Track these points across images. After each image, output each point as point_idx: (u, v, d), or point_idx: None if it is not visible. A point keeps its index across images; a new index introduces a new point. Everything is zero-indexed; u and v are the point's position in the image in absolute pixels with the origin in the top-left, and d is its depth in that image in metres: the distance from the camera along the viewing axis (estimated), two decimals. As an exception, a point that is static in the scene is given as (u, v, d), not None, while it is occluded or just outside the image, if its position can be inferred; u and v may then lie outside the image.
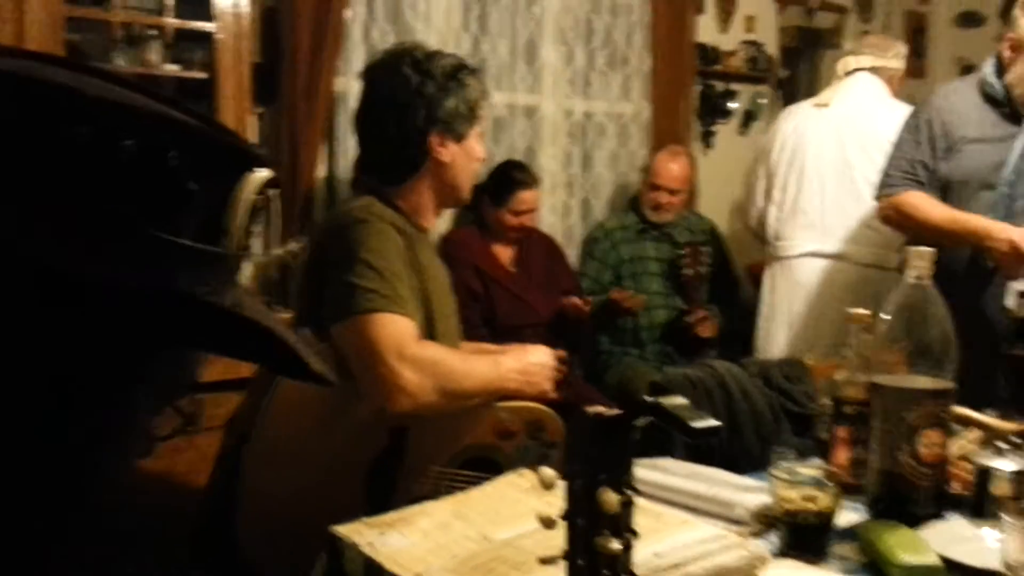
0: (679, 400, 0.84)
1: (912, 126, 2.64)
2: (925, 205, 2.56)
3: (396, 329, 1.64)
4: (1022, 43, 2.50)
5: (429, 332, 1.80)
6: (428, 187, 1.87)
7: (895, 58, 3.49)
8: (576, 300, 3.58)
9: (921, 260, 1.38)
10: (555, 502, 0.94)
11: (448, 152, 1.85)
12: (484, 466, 1.80)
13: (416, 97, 1.79)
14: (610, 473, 0.89)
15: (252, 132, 3.24)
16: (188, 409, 0.84)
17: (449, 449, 1.78)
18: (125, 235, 0.57)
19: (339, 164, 3.47)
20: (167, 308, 0.61)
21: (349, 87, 3.46)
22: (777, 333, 3.57)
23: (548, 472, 0.95)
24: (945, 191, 2.59)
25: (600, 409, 0.90)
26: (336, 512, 1.60)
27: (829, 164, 3.39)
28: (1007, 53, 2.54)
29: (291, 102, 3.28)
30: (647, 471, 1.53)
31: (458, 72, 1.85)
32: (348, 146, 3.42)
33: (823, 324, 3.29)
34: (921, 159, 2.59)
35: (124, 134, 0.58)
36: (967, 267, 2.51)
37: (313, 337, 1.70)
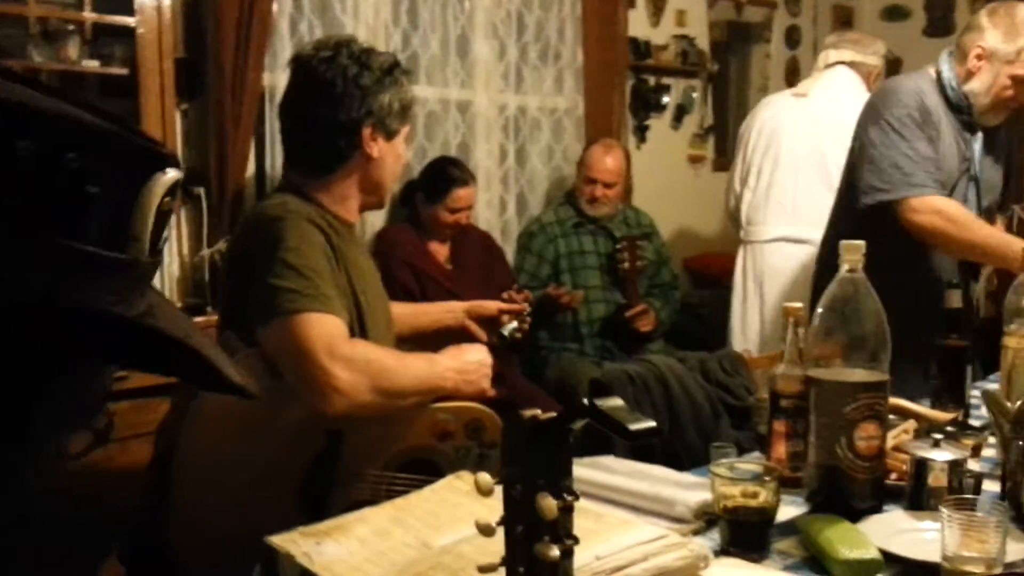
0: (616, 401, 0.82)
1: (908, 126, 2.46)
2: (970, 219, 2.43)
3: (324, 328, 1.59)
4: (989, 53, 2.46)
5: (360, 329, 1.75)
6: (354, 181, 1.82)
7: (874, 55, 3.57)
8: (513, 294, 3.55)
9: (853, 253, 1.38)
10: (496, 506, 0.91)
11: (377, 147, 1.81)
12: (423, 468, 1.77)
13: (353, 87, 1.75)
14: (548, 478, 0.87)
15: (177, 129, 3.16)
16: (101, 424, 0.79)
17: (386, 452, 1.74)
18: (16, 240, 0.52)
19: (269, 160, 3.40)
20: (69, 321, 0.56)
21: (277, 82, 3.38)
22: (750, 317, 3.69)
23: (485, 478, 0.93)
24: None
25: (536, 412, 0.87)
26: (270, 520, 1.55)
27: (804, 153, 3.47)
28: (974, 62, 2.49)
29: (217, 98, 3.19)
30: (587, 470, 1.51)
31: (394, 69, 1.82)
32: (278, 141, 3.34)
33: None
34: (936, 159, 2.46)
35: (18, 134, 0.54)
36: (898, 256, 2.53)
37: (239, 342, 1.65)
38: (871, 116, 2.56)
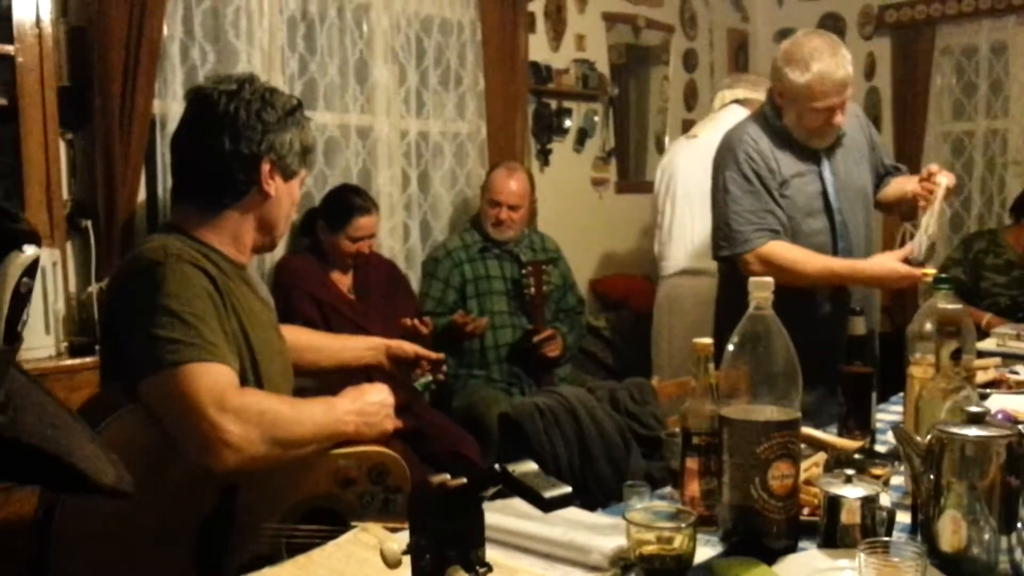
0: (529, 467, 0.78)
1: (736, 180, 2.66)
2: (799, 258, 2.60)
3: (211, 378, 1.50)
4: (785, 93, 2.62)
5: (253, 376, 1.67)
6: (248, 220, 1.74)
7: (764, 92, 3.65)
8: (415, 322, 3.49)
9: (761, 291, 1.37)
10: (405, 562, 0.86)
11: (275, 186, 1.73)
12: (325, 517, 1.69)
13: (255, 120, 1.69)
14: (459, 549, 0.82)
15: (62, 159, 3.01)
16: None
17: (284, 503, 1.66)
18: None
19: (161, 190, 3.27)
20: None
21: (169, 109, 3.26)
22: (665, 347, 3.94)
23: (392, 549, 0.87)
24: (793, 226, 2.67)
25: (444, 478, 0.82)
26: (163, 582, 1.47)
27: (696, 188, 3.57)
28: (779, 99, 2.68)
29: (104, 127, 3.06)
30: (498, 516, 1.45)
31: (296, 110, 1.77)
32: (170, 170, 3.22)
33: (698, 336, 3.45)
34: (765, 207, 2.63)
35: None
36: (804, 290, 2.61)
37: (121, 395, 1.54)
38: (713, 175, 2.78)
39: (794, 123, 2.66)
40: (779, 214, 2.64)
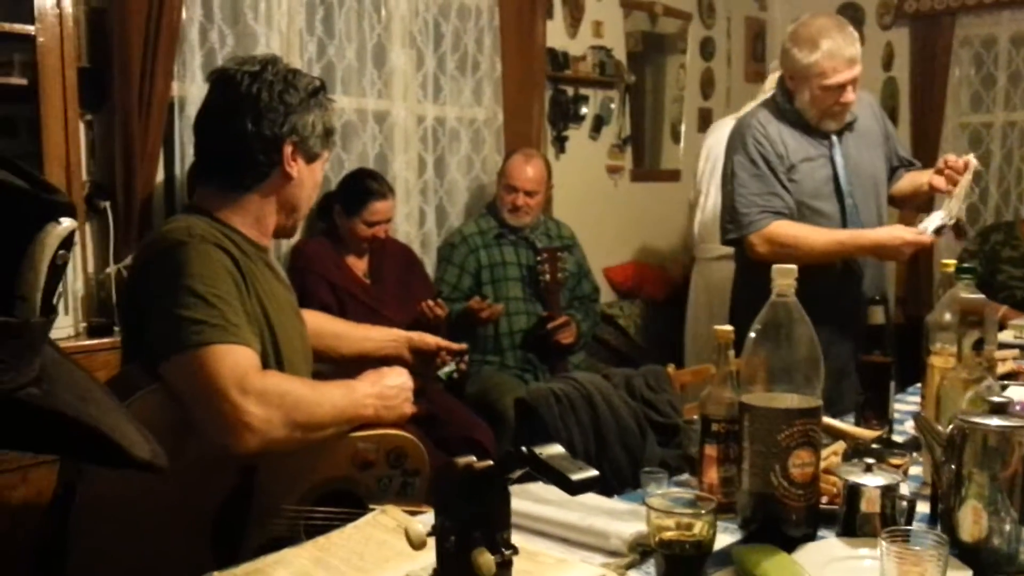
0: (556, 449, 0.78)
1: (743, 164, 2.67)
2: (802, 233, 2.61)
3: (234, 360, 1.50)
4: (796, 74, 2.63)
5: (274, 358, 1.67)
6: (270, 202, 1.74)
7: None
8: (431, 303, 3.49)
9: (784, 277, 1.36)
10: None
11: (297, 168, 1.73)
12: (343, 500, 1.69)
13: (278, 102, 1.68)
14: (485, 531, 0.82)
15: (81, 140, 3.02)
16: None
17: (303, 485, 1.65)
18: None
19: (179, 172, 3.27)
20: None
21: (187, 92, 3.27)
22: (702, 332, 3.88)
23: (416, 529, 0.87)
24: (802, 209, 2.68)
25: (471, 460, 0.82)
26: (181, 565, 1.47)
27: None
28: (790, 82, 2.69)
29: (124, 108, 3.07)
30: (518, 500, 1.45)
31: (319, 92, 1.76)
32: (188, 152, 3.23)
33: None
34: (771, 190, 2.64)
35: None
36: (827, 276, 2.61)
37: (143, 376, 1.55)
38: (724, 161, 2.80)
39: (807, 104, 2.66)
40: (786, 197, 2.64)
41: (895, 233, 2.56)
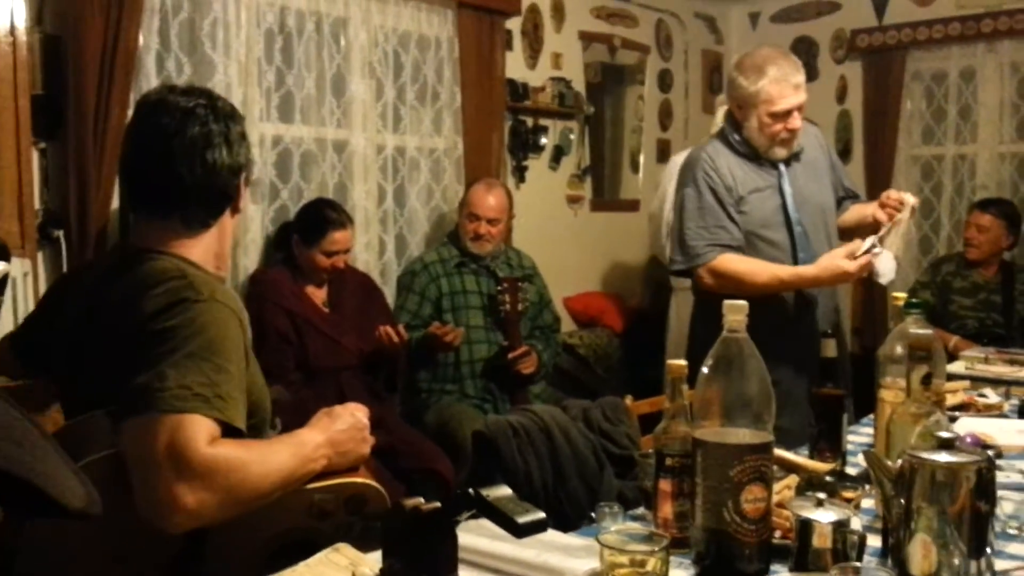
0: (503, 491, 0.78)
1: (692, 197, 2.71)
2: (745, 269, 2.64)
3: (186, 432, 1.38)
4: (743, 102, 2.68)
5: (249, 408, 1.56)
6: (224, 235, 1.69)
7: None
8: (390, 329, 3.48)
9: (735, 313, 1.38)
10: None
11: (244, 199, 1.72)
12: (301, 548, 1.61)
13: (236, 134, 1.65)
14: (431, 573, 0.81)
15: (34, 168, 2.99)
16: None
17: (257, 540, 1.57)
18: None
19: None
20: None
21: (144, 121, 3.24)
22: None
23: (363, 572, 0.86)
24: (749, 239, 2.71)
25: (418, 502, 0.82)
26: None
27: None
28: (737, 111, 2.73)
29: (78, 135, 3.04)
30: (473, 537, 1.45)
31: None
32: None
33: None
34: (718, 223, 2.67)
35: None
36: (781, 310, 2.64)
37: (107, 426, 1.48)
38: (675, 192, 2.85)
39: (755, 133, 2.69)
40: (732, 230, 2.68)
41: (835, 266, 2.56)
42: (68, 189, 3.06)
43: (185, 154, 1.59)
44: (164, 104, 1.63)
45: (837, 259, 2.56)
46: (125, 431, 1.41)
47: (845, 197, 2.95)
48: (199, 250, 1.66)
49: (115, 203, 3.19)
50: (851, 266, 2.54)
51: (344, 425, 1.63)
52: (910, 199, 2.61)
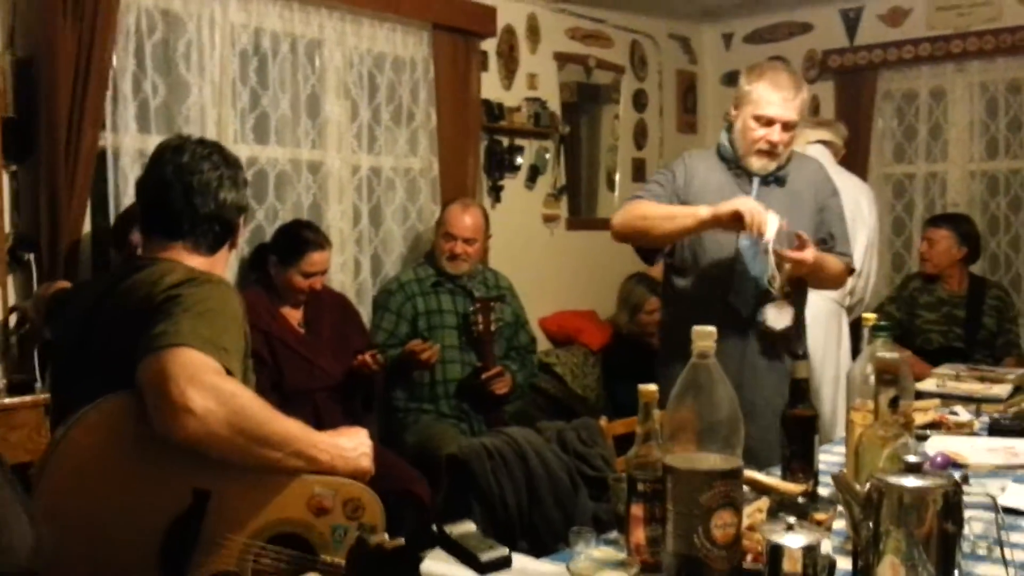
0: (467, 527, 0.78)
1: (656, 178, 2.85)
2: (649, 205, 2.70)
3: (192, 360, 1.53)
4: (737, 101, 2.73)
5: None
6: (220, 266, 1.89)
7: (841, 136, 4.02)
8: (366, 357, 3.48)
9: (704, 339, 1.39)
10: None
11: (241, 237, 1.93)
12: (296, 547, 1.67)
13: (241, 180, 1.90)
14: (400, 608, 0.81)
15: (4, 191, 2.98)
16: None
17: (256, 520, 1.64)
18: None
19: (111, 222, 3.22)
20: None
21: (121, 143, 3.24)
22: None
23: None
24: (694, 244, 2.73)
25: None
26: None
27: None
28: (732, 111, 2.77)
29: (50, 158, 3.03)
30: (444, 565, 1.44)
31: None
32: (123, 203, 3.21)
33: None
34: (666, 193, 2.75)
35: None
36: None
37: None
38: None
39: (739, 135, 2.71)
40: (671, 200, 2.73)
41: (730, 202, 2.51)
42: (39, 212, 3.05)
43: (201, 190, 1.83)
44: (183, 148, 1.86)
45: (740, 198, 2.53)
46: (142, 368, 1.54)
47: (821, 242, 2.76)
48: (202, 269, 1.83)
49: (87, 226, 3.17)
50: (750, 204, 2.47)
51: (348, 443, 1.76)
52: (771, 228, 2.49)
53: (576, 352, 4.82)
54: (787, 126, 2.66)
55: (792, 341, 2.71)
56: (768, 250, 2.51)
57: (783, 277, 2.57)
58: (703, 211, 2.55)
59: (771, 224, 2.44)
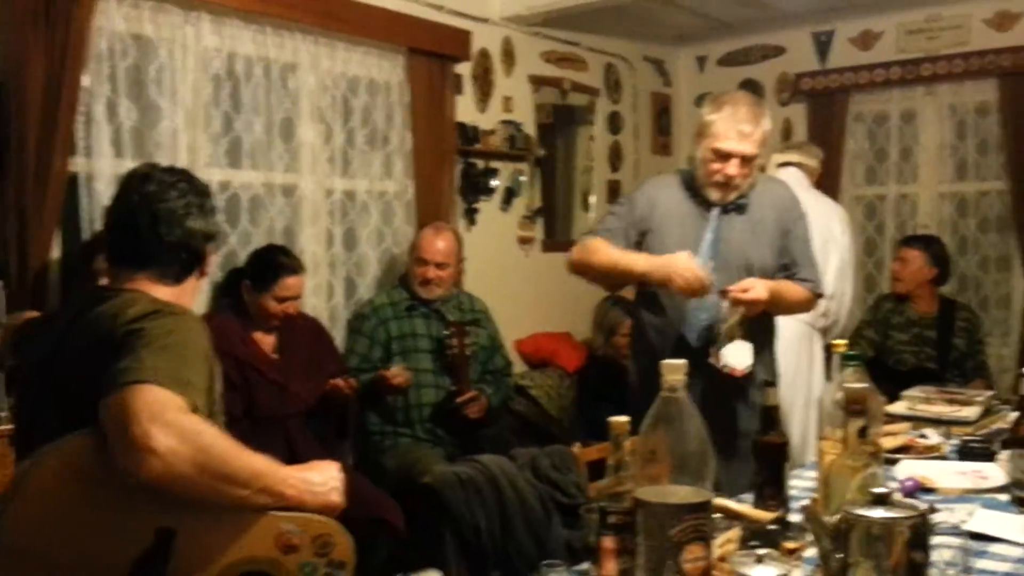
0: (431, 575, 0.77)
1: (618, 203, 2.92)
2: (599, 248, 2.77)
3: (156, 397, 1.50)
4: (699, 130, 2.75)
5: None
6: (187, 295, 1.89)
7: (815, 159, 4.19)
8: (339, 382, 3.47)
9: (674, 373, 1.39)
10: None
11: (209, 266, 1.92)
12: None
13: (210, 209, 1.91)
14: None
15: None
16: None
17: (222, 558, 1.60)
18: None
19: (76, 248, 3.19)
20: None
21: (94, 167, 3.22)
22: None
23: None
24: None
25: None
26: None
27: None
28: (695, 141, 2.79)
29: (18, 183, 2.99)
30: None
31: None
32: (95, 229, 3.17)
33: None
34: (622, 226, 2.80)
35: None
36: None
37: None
38: None
39: (699, 164, 2.74)
40: (633, 236, 2.79)
41: (667, 263, 2.58)
42: (7, 238, 3.01)
43: (167, 218, 1.83)
44: (151, 176, 1.86)
45: (676, 262, 2.57)
46: (103, 407, 1.51)
47: (785, 267, 2.81)
48: (168, 299, 1.82)
49: (55, 252, 3.14)
50: (683, 272, 2.54)
51: (317, 478, 1.72)
52: (749, 295, 2.56)
53: (551, 374, 4.82)
54: (745, 160, 2.67)
55: (753, 384, 2.72)
56: (715, 302, 2.55)
57: (738, 317, 2.58)
58: (639, 265, 2.67)
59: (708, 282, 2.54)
